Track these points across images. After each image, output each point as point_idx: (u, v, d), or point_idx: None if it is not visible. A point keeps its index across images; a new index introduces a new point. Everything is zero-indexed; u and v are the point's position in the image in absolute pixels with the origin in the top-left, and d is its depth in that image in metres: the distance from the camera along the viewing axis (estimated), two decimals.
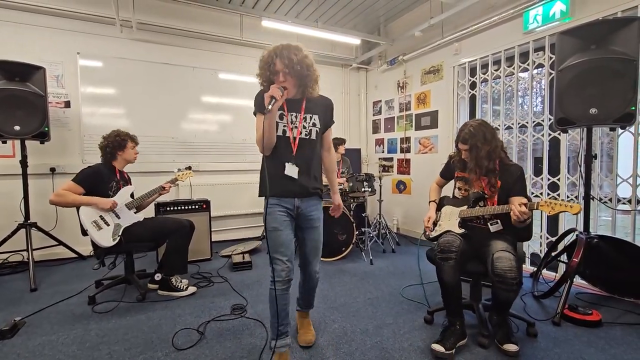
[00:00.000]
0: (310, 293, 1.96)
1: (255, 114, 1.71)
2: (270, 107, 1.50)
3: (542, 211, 1.74)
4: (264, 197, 1.72)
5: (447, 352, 1.74)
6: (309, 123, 1.71)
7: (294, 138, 1.68)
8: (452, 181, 2.28)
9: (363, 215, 3.82)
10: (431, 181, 2.40)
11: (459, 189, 2.17)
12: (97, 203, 2.38)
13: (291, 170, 1.67)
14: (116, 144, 2.57)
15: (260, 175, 1.72)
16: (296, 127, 1.68)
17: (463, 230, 2.00)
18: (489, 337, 1.89)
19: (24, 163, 3.03)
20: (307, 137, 1.71)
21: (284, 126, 1.67)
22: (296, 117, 1.69)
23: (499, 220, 1.96)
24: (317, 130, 1.73)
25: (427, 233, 2.17)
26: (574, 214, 1.65)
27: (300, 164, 1.69)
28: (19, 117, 2.84)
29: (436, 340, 1.81)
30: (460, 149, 2.04)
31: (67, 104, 3.57)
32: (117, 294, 2.58)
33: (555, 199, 1.66)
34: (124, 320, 2.19)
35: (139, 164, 3.62)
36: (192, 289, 2.64)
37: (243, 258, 3.37)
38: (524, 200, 1.79)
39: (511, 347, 1.77)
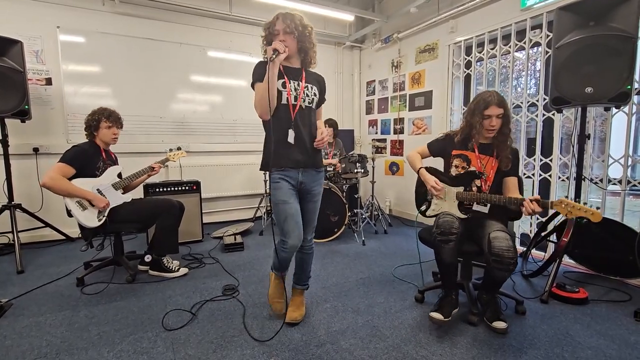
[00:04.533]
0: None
1: (253, 85, 1.70)
2: (274, 57, 1.53)
3: (557, 211, 1.72)
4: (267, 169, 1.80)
5: (446, 319, 1.79)
6: (311, 92, 1.76)
7: (294, 105, 1.70)
8: (434, 157, 2.23)
9: (355, 196, 3.80)
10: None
11: (456, 166, 2.10)
12: (92, 200, 2.31)
13: (291, 136, 1.71)
14: (90, 123, 2.47)
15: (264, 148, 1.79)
16: (298, 95, 1.70)
17: (466, 216, 1.96)
18: (478, 315, 1.91)
19: (4, 142, 2.91)
20: (311, 104, 1.76)
21: (286, 94, 1.68)
22: (298, 84, 1.72)
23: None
24: (316, 101, 1.79)
25: (433, 197, 2.08)
26: (594, 222, 1.61)
27: (299, 130, 1.72)
28: None
29: (434, 309, 1.85)
30: (491, 115, 1.89)
31: (49, 81, 3.41)
32: (106, 275, 2.55)
33: (577, 201, 1.60)
34: (114, 302, 2.17)
35: (126, 144, 3.54)
36: (183, 270, 2.62)
37: (235, 239, 3.34)
38: (516, 194, 1.80)
39: (500, 325, 1.80)
